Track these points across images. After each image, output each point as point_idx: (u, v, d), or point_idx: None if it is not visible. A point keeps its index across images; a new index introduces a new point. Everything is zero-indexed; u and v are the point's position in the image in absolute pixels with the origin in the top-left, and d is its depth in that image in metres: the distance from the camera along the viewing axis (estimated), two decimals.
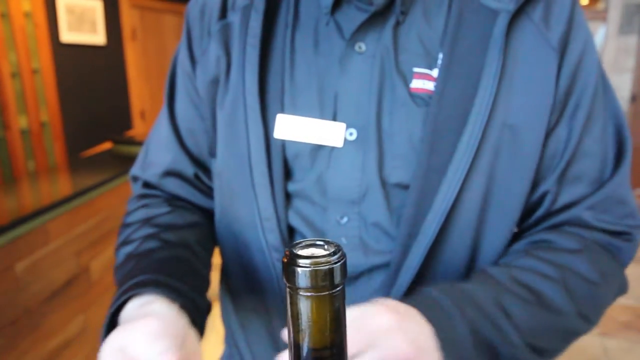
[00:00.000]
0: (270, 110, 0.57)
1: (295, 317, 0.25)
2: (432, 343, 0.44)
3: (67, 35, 3.31)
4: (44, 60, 3.06)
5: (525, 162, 0.54)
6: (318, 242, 0.26)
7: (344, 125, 0.56)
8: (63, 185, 2.43)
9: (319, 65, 0.57)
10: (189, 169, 0.66)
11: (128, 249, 0.59)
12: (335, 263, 0.24)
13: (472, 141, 0.51)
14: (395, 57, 0.55)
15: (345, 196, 0.57)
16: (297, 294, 0.24)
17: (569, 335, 0.55)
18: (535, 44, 0.53)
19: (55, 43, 3.20)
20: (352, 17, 0.56)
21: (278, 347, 0.63)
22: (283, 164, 0.58)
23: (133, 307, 0.49)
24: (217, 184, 0.64)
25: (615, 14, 4.63)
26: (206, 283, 0.59)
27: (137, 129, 4.11)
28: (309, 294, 0.24)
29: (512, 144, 0.53)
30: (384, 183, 0.55)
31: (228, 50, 0.60)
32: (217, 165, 0.63)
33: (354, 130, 0.56)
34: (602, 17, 4.72)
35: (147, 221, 0.62)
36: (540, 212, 0.58)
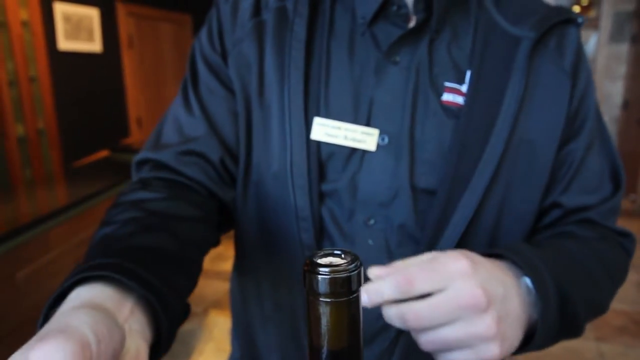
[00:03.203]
0: (307, 112, 0.60)
1: (315, 321, 0.27)
2: (501, 290, 0.46)
3: (64, 43, 3.33)
4: (41, 68, 3.08)
5: (539, 174, 0.60)
6: (336, 252, 0.28)
7: (377, 130, 0.59)
8: (61, 194, 2.43)
9: (354, 73, 0.61)
10: (215, 153, 0.62)
11: (105, 230, 0.51)
12: (353, 271, 0.26)
13: (495, 153, 0.56)
14: (430, 70, 0.59)
15: (375, 199, 0.60)
16: (317, 299, 0.26)
17: (602, 310, 0.59)
18: (551, 69, 0.59)
19: (52, 51, 3.21)
20: (388, 31, 0.60)
21: (300, 345, 0.65)
22: (318, 165, 0.60)
23: (70, 301, 0.39)
24: (250, 181, 0.64)
25: (606, 22, 4.70)
26: (188, 283, 0.49)
27: (133, 137, 4.12)
28: (328, 299, 0.26)
29: (529, 157, 0.59)
30: (413, 188, 0.59)
31: (262, 47, 0.62)
32: (250, 161, 0.64)
33: (386, 136, 0.59)
34: (594, 25, 4.79)
35: (135, 204, 0.55)
36: (552, 215, 0.64)
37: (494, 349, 0.44)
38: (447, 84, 0.59)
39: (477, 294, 0.43)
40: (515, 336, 0.46)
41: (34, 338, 0.33)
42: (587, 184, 0.63)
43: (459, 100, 0.58)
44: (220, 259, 3.54)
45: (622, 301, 2.93)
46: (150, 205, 0.55)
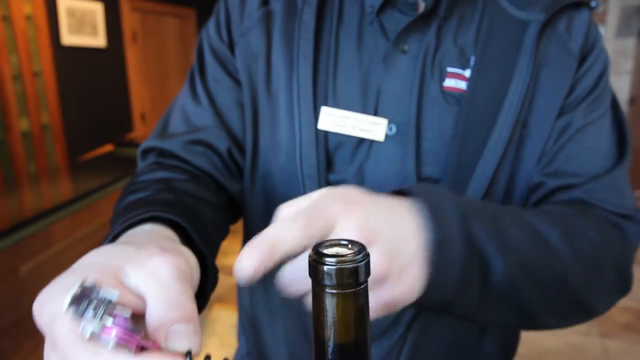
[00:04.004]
0: (316, 102, 0.59)
1: (321, 313, 0.26)
2: (388, 228, 0.39)
3: (68, 38, 3.32)
4: (45, 63, 3.07)
5: (535, 157, 0.58)
6: (342, 242, 0.27)
7: (386, 120, 0.58)
8: (64, 188, 2.43)
9: (362, 62, 0.60)
10: (222, 143, 0.62)
11: (137, 195, 0.50)
12: (360, 262, 0.25)
13: (501, 139, 0.55)
14: (434, 57, 0.58)
15: (381, 189, 0.58)
16: (323, 291, 0.25)
17: (569, 294, 0.50)
18: (559, 51, 0.58)
19: (56, 46, 3.21)
20: (396, 19, 0.59)
21: (308, 340, 0.64)
22: (326, 155, 0.60)
23: (148, 230, 0.41)
24: (257, 173, 0.64)
25: (613, 17, 4.66)
26: (214, 264, 0.49)
27: (137, 132, 4.12)
28: (334, 291, 0.25)
29: (528, 141, 0.57)
30: (418, 177, 0.58)
31: (269, 37, 0.61)
32: (257, 153, 0.63)
33: (394, 126, 0.59)
34: (601, 19, 4.75)
35: (163, 181, 0.54)
36: (539, 193, 0.59)
37: (391, 289, 0.38)
38: (450, 69, 0.58)
39: (354, 234, 0.36)
40: (417, 276, 0.39)
41: (147, 247, 0.35)
42: (577, 160, 0.58)
43: (462, 85, 0.57)
44: (224, 253, 3.53)
45: (627, 298, 2.90)
46: (176, 185, 0.55)
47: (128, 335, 0.26)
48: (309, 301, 0.38)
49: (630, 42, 4.67)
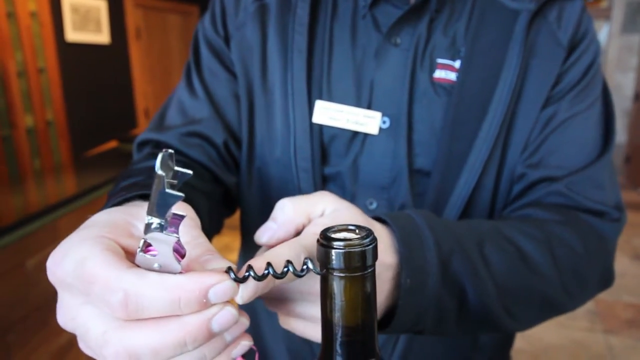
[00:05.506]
0: (310, 96, 0.59)
1: (329, 297, 0.26)
2: (389, 260, 0.39)
3: (72, 35, 3.33)
4: (50, 60, 3.08)
5: (520, 146, 0.58)
6: (350, 227, 0.27)
7: (379, 113, 0.59)
8: (69, 184, 2.45)
9: (355, 56, 0.60)
10: (218, 135, 0.62)
11: (130, 180, 0.49)
12: (368, 246, 0.26)
13: (492, 130, 0.55)
14: (424, 49, 0.59)
15: (376, 182, 0.60)
16: (331, 274, 0.26)
17: (547, 306, 0.51)
18: (548, 41, 0.58)
19: (60, 42, 3.22)
20: (388, 13, 0.59)
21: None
22: (320, 148, 0.60)
23: (141, 203, 0.39)
24: (254, 166, 0.64)
25: (618, 13, 4.64)
26: None
27: (141, 128, 4.13)
28: (342, 274, 0.26)
29: (515, 130, 0.58)
30: (411, 170, 0.59)
31: (264, 31, 0.62)
32: (253, 146, 0.63)
33: (387, 119, 0.59)
34: (606, 15, 4.73)
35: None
36: (522, 184, 0.59)
37: None
38: (439, 60, 0.58)
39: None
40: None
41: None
42: (560, 152, 0.59)
43: (451, 76, 0.58)
44: (227, 250, 3.55)
45: (631, 294, 2.91)
46: None
47: (181, 246, 0.27)
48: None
49: (635, 39, 4.65)
